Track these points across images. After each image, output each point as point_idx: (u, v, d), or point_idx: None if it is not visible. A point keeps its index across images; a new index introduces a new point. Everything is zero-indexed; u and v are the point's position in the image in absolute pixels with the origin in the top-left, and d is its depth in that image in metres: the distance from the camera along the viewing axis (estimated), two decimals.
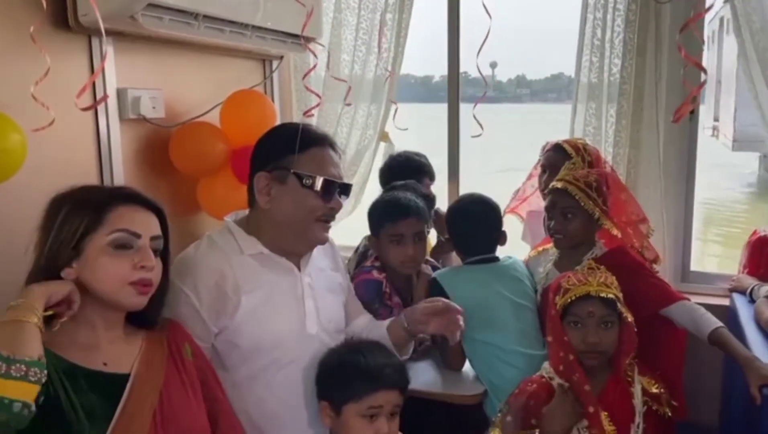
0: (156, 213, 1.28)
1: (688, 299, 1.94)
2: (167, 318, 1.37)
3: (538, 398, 1.63)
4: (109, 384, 1.19)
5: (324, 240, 1.61)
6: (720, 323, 1.82)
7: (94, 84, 2.03)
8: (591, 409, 1.58)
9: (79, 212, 1.20)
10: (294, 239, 1.58)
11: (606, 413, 1.59)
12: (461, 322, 1.65)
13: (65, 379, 1.13)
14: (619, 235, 2.05)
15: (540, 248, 2.26)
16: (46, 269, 1.18)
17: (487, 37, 2.22)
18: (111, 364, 1.21)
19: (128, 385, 1.20)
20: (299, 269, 1.60)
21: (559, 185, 2.01)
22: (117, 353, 1.24)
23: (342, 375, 1.46)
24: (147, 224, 1.24)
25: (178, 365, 1.30)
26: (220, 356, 1.51)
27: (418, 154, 2.65)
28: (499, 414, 1.68)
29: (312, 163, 1.53)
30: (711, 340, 1.80)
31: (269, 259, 1.55)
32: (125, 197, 1.25)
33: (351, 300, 1.84)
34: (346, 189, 1.62)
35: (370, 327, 1.79)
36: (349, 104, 2.89)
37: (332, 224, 1.63)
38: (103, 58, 1.83)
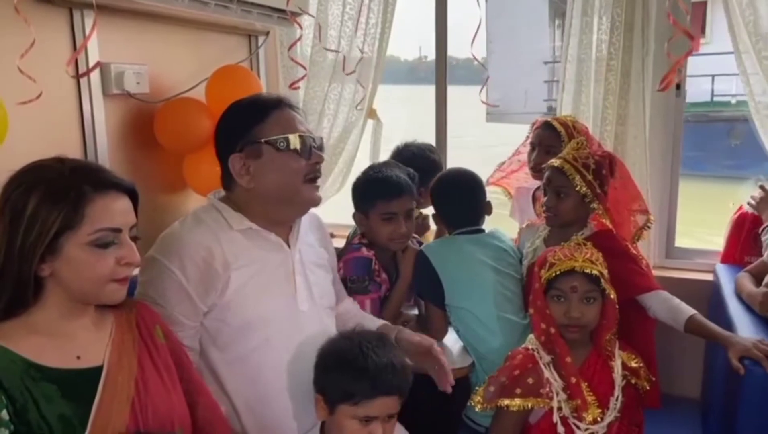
0: (128, 193, 1.20)
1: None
2: (133, 299, 1.31)
3: (523, 368, 1.65)
4: (84, 381, 1.14)
5: (318, 200, 1.58)
6: (694, 311, 1.84)
7: (76, 59, 2.00)
8: (573, 380, 1.61)
9: (51, 206, 1.09)
10: (287, 207, 1.55)
11: (586, 383, 1.62)
12: (446, 367, 1.59)
13: (33, 388, 1.08)
14: (608, 224, 2.03)
15: (531, 222, 2.27)
16: (17, 270, 1.09)
17: (479, 26, 2.23)
18: (84, 356, 1.16)
19: (102, 379, 1.15)
20: (288, 246, 1.58)
21: (556, 163, 1.99)
22: (89, 342, 1.19)
23: (339, 372, 1.34)
24: (124, 214, 1.17)
25: (150, 349, 1.26)
26: (211, 335, 1.49)
27: (431, 150, 2.63)
28: (482, 385, 1.70)
29: (278, 126, 1.50)
30: (687, 328, 1.82)
31: (258, 235, 1.52)
32: (98, 183, 1.14)
33: (336, 281, 1.82)
34: (319, 144, 1.57)
35: (358, 317, 1.77)
36: (352, 72, 2.89)
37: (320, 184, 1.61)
38: (92, 27, 1.78)
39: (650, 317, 1.93)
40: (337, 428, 1.37)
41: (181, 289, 1.42)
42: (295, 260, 1.57)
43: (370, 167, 2.25)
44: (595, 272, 1.62)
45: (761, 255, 2.28)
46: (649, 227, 2.22)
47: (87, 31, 1.98)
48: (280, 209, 1.55)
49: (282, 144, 1.48)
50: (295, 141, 1.49)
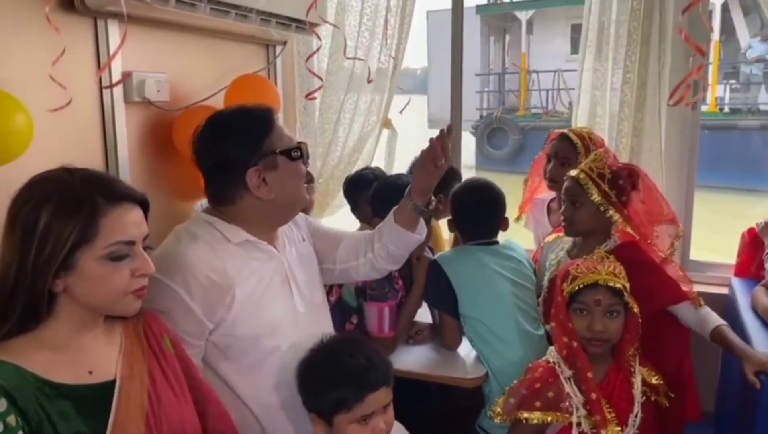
0: (139, 203, 1.18)
1: (695, 296, 1.93)
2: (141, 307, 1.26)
3: (543, 382, 1.65)
4: (98, 397, 1.12)
5: (311, 199, 1.63)
6: (722, 322, 1.84)
7: (100, 67, 2.03)
8: (593, 396, 1.60)
9: (65, 220, 1.06)
10: (291, 211, 1.59)
11: (606, 401, 1.61)
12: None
13: (48, 406, 1.05)
14: (632, 232, 1.98)
15: (557, 235, 2.25)
16: (30, 286, 1.06)
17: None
18: (96, 370, 1.14)
19: (116, 393, 1.13)
20: (277, 252, 1.59)
21: (573, 173, 2.01)
22: (100, 354, 1.17)
23: (323, 386, 1.35)
24: (138, 226, 1.15)
25: (159, 359, 1.24)
26: (221, 350, 1.48)
27: None
28: (502, 396, 1.70)
29: (283, 135, 1.51)
30: (712, 337, 1.83)
31: (254, 246, 1.52)
32: (111, 194, 1.12)
33: (323, 236, 1.78)
34: None
35: (372, 233, 1.74)
36: (371, 81, 2.94)
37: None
38: (123, 39, 1.83)
39: (684, 327, 1.93)
40: None
41: (186, 309, 1.40)
42: (285, 266, 1.59)
43: (388, 176, 2.28)
44: (618, 285, 1.61)
45: None
46: (681, 235, 2.18)
47: (110, 40, 2.01)
48: (285, 214, 1.58)
49: (296, 153, 1.51)
50: (305, 149, 1.54)
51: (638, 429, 1.62)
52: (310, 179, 2.76)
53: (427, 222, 2.10)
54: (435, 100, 14.80)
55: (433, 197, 1.68)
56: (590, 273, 1.63)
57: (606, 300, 1.62)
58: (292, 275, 1.59)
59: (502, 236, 2.21)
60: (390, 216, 1.68)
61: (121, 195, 1.13)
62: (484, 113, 14.99)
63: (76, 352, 1.13)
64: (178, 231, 1.52)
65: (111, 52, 2.02)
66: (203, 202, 1.60)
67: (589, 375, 1.61)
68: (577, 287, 1.63)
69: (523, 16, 15.52)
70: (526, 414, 1.61)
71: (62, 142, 1.92)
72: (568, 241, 2.14)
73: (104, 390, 1.13)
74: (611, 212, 1.94)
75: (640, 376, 1.67)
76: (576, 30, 14.77)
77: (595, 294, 1.62)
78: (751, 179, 9.36)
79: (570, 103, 13.21)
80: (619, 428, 1.58)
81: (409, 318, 2.16)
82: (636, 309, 1.63)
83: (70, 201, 1.08)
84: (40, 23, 1.75)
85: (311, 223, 1.80)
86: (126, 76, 2.12)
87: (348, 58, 2.89)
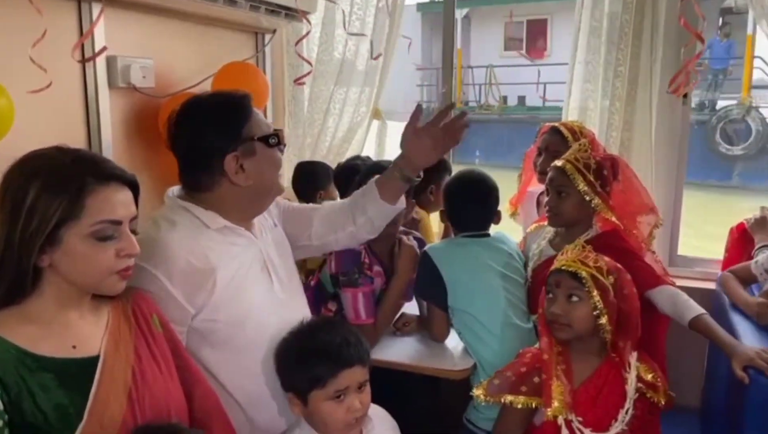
0: (129, 185, 1.19)
1: (673, 284, 1.95)
2: (131, 287, 1.27)
3: (530, 367, 1.65)
4: (80, 371, 1.13)
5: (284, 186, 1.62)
6: (702, 310, 1.82)
7: (83, 50, 1.99)
8: (543, 376, 1.61)
9: (52, 197, 1.08)
10: (267, 198, 1.58)
11: (560, 382, 1.60)
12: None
13: (28, 378, 1.07)
14: (615, 220, 2.00)
15: (538, 224, 2.26)
16: (16, 260, 1.08)
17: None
18: (80, 346, 1.15)
19: (99, 368, 1.14)
20: (255, 238, 1.58)
21: (558, 163, 2.01)
22: (85, 331, 1.18)
23: (299, 363, 1.39)
24: (125, 206, 1.16)
25: (147, 338, 1.25)
26: (203, 335, 1.46)
27: None
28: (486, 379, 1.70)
29: (260, 122, 1.50)
30: (692, 326, 1.81)
31: (232, 232, 1.51)
32: (100, 174, 1.13)
33: (298, 214, 1.78)
34: None
35: (348, 205, 1.74)
36: (379, 56, 2.94)
37: None
38: (98, 15, 1.79)
39: (662, 319, 1.93)
40: (317, 416, 1.39)
41: (167, 294, 1.39)
42: (264, 253, 1.58)
43: (374, 163, 2.26)
44: (582, 272, 1.60)
45: None
46: (660, 225, 2.21)
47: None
48: (262, 201, 1.57)
49: (273, 140, 1.50)
50: (281, 135, 1.53)
51: (627, 425, 1.61)
52: None
53: (407, 195, 2.08)
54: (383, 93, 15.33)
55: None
56: (563, 260, 1.65)
57: (566, 283, 1.62)
58: (270, 262, 1.58)
59: (492, 229, 2.19)
60: (373, 190, 1.67)
61: (109, 175, 1.14)
62: (424, 106, 15.33)
63: (61, 327, 1.14)
64: (156, 217, 1.50)
65: (96, 36, 1.98)
66: (174, 189, 1.55)
67: (545, 356, 1.63)
68: (548, 273, 1.66)
69: (458, 13, 16.12)
70: (510, 398, 1.61)
71: (45, 125, 1.88)
72: (550, 231, 2.14)
73: (87, 365, 1.14)
74: (597, 201, 1.95)
75: (635, 372, 1.65)
76: (508, 28, 16.01)
77: (557, 277, 1.64)
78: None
79: (501, 97, 13.79)
80: (564, 408, 1.56)
81: (391, 306, 2.12)
82: (596, 300, 1.59)
83: (58, 179, 1.09)
84: (22, 4, 1.71)
85: (281, 205, 1.78)
86: (109, 60, 2.08)
87: (351, 34, 2.90)
